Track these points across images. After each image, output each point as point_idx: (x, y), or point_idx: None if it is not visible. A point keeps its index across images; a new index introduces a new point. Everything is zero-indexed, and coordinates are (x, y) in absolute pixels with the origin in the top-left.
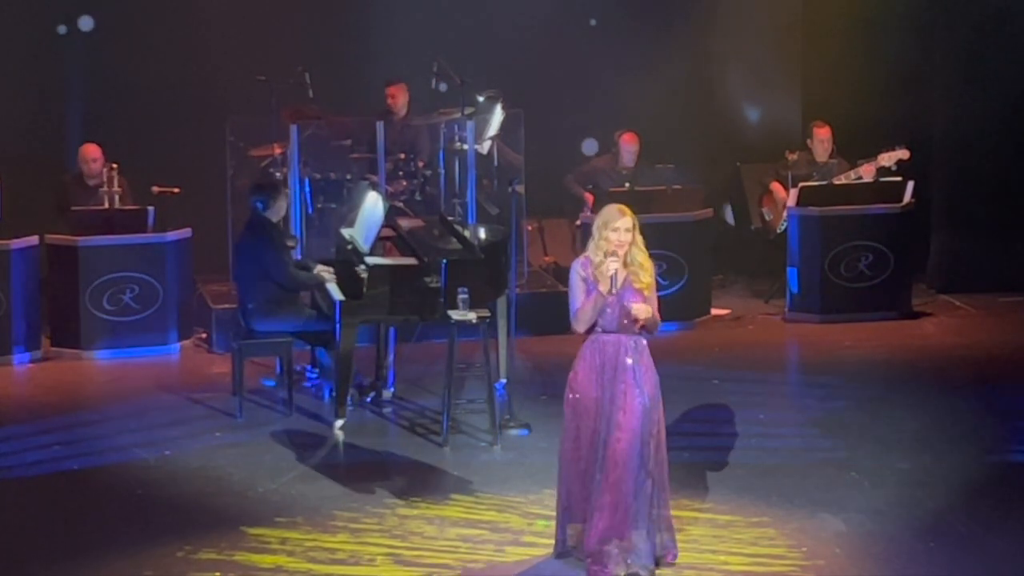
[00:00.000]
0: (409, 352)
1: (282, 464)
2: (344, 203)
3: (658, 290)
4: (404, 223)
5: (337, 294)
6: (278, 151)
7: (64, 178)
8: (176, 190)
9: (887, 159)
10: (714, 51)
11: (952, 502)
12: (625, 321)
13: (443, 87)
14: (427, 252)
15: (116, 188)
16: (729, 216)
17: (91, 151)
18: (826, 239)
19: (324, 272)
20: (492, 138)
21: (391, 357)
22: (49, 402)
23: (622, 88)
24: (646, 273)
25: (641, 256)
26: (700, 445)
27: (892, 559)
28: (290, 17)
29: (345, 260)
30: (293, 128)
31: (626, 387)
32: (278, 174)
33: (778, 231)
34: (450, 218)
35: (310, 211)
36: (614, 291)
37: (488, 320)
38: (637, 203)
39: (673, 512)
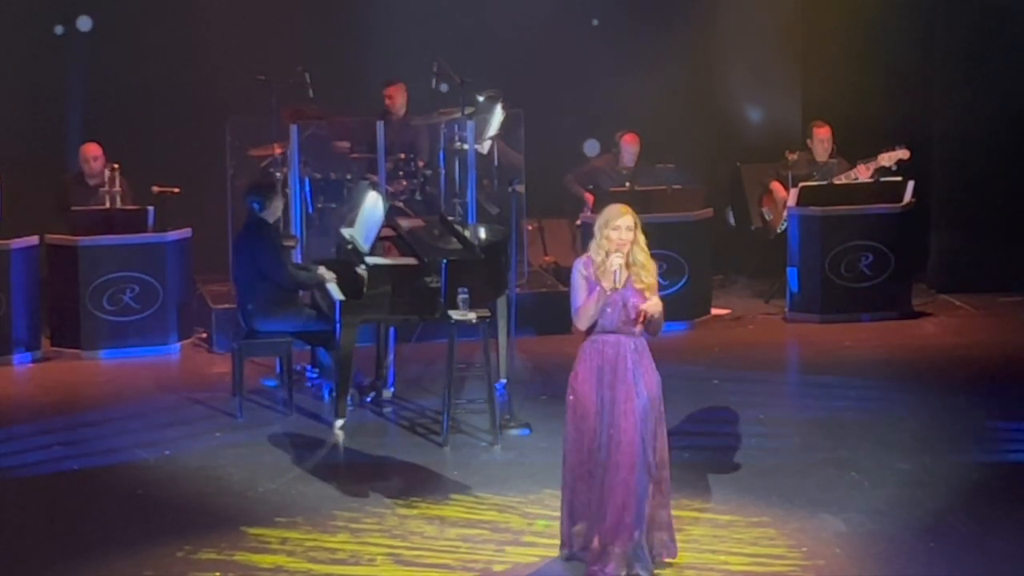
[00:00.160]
0: (409, 352)
1: (282, 464)
2: (344, 203)
3: (659, 290)
4: (404, 223)
5: (337, 294)
6: (278, 151)
7: (64, 178)
8: (176, 190)
9: (887, 159)
10: (714, 51)
11: (952, 502)
12: (628, 319)
13: (444, 87)
14: (427, 252)
15: (117, 188)
16: (730, 218)
17: (92, 150)
18: (826, 239)
19: (324, 272)
20: (492, 138)
21: (391, 357)
22: (49, 402)
23: (622, 88)
24: (648, 273)
25: (643, 256)
26: (700, 445)
27: (892, 559)
28: (290, 17)
29: (345, 260)
30: (293, 128)
31: (627, 388)
32: (278, 174)
33: (778, 231)
34: (450, 218)
35: (310, 211)
36: (617, 286)
37: (488, 320)
38: (637, 203)
39: (673, 512)
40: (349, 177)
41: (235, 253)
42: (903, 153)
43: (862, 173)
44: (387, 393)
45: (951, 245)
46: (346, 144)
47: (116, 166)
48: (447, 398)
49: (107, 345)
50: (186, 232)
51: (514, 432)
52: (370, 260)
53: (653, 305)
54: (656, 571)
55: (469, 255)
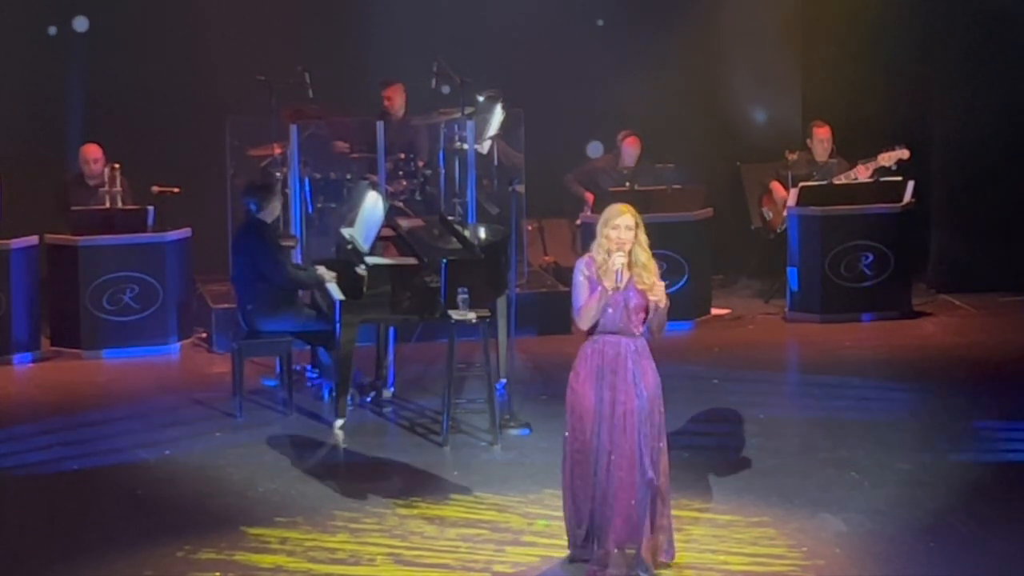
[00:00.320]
0: (409, 352)
1: (282, 464)
2: (344, 203)
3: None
4: (404, 223)
5: (337, 294)
6: (278, 151)
7: (65, 178)
8: (176, 190)
9: (887, 159)
10: (714, 51)
11: (952, 502)
12: (630, 319)
13: (446, 90)
14: (427, 252)
15: (117, 188)
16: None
17: (92, 152)
18: (826, 239)
19: (324, 271)
20: (492, 138)
21: (391, 357)
22: (49, 402)
23: (622, 88)
24: (649, 274)
25: (645, 256)
26: (700, 445)
27: (892, 559)
28: (290, 17)
29: (345, 260)
30: (293, 128)
31: (627, 388)
32: (278, 174)
33: (778, 231)
34: (450, 218)
35: (310, 211)
36: (619, 286)
37: (488, 320)
38: (637, 203)
39: (673, 512)
40: (349, 177)
41: (234, 254)
42: (903, 153)
43: (862, 173)
44: (387, 393)
45: (951, 245)
46: (345, 145)
47: (116, 166)
48: (447, 398)
49: (107, 345)
50: (186, 232)
51: (514, 432)
52: (370, 260)
53: (659, 296)
54: (655, 572)
55: (469, 255)
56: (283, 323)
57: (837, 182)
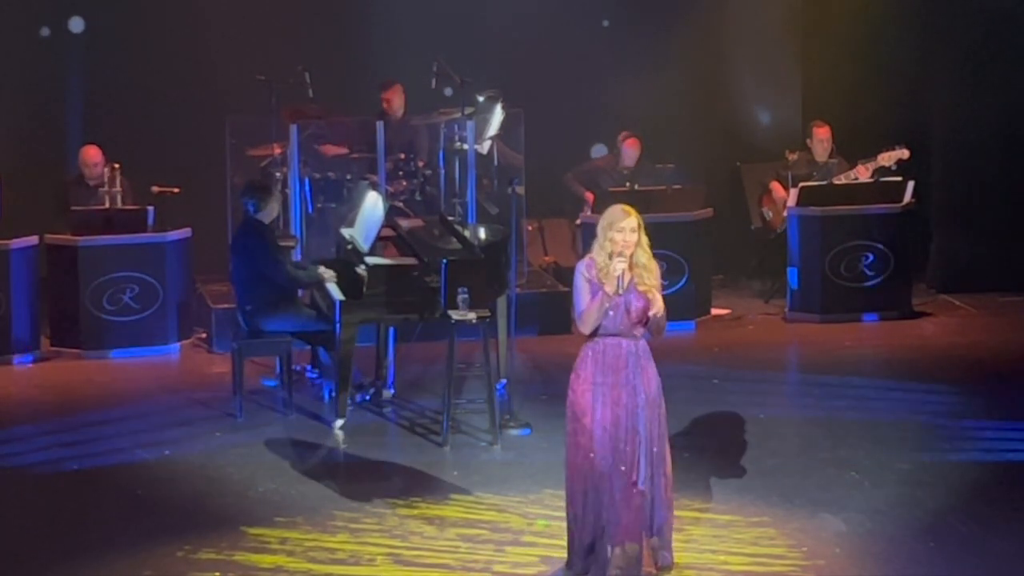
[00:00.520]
0: (409, 352)
1: (282, 464)
2: (344, 203)
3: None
4: (404, 223)
5: (337, 294)
6: (278, 151)
7: (65, 178)
8: (176, 190)
9: (887, 159)
10: (714, 51)
11: (952, 502)
12: (631, 321)
13: (448, 91)
14: (427, 252)
15: (117, 188)
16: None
17: (92, 155)
18: (826, 239)
19: (324, 271)
20: (492, 138)
21: (391, 357)
22: (49, 402)
23: (622, 88)
24: (650, 275)
25: (645, 257)
26: (700, 445)
27: (892, 559)
28: (290, 17)
29: (345, 260)
30: (293, 128)
31: (627, 390)
32: (278, 174)
33: (778, 231)
34: (450, 218)
35: (310, 211)
36: (620, 292)
37: (488, 320)
38: (638, 203)
39: (674, 512)
40: (349, 177)
41: (233, 254)
42: (903, 153)
43: (862, 173)
44: (387, 393)
45: (951, 245)
46: (335, 148)
47: (116, 166)
48: (447, 398)
49: (107, 345)
50: (186, 232)
51: (514, 432)
52: (370, 260)
53: (657, 307)
54: (656, 572)
55: (469, 255)
56: (283, 323)
57: (837, 182)
